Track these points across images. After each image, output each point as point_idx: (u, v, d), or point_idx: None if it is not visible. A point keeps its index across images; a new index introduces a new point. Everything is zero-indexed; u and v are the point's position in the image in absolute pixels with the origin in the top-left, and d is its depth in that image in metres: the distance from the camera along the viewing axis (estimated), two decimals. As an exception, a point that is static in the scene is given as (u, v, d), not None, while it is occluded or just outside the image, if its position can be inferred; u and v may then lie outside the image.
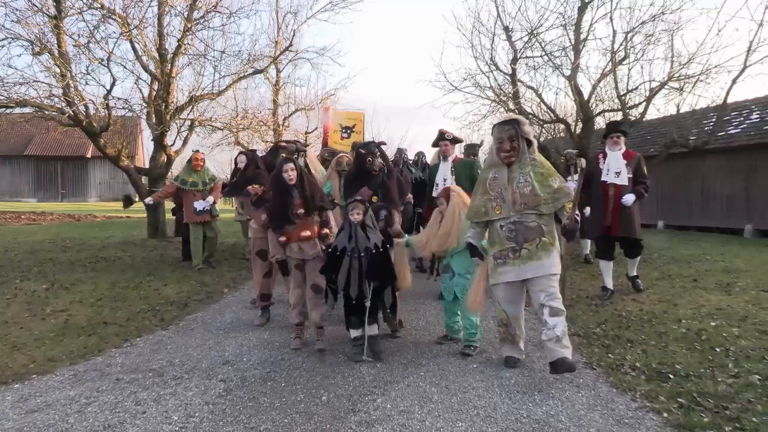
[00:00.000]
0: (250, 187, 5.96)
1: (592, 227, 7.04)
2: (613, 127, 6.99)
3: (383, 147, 6.47)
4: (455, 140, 7.49)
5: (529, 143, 4.36)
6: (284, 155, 5.93)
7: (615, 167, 6.67)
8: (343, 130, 10.32)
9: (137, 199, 10.86)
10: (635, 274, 7.03)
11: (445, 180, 7.07)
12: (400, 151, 8.89)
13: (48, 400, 3.96)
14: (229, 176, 8.59)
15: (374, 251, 4.58)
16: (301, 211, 4.99)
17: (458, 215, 4.87)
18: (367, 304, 4.62)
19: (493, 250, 4.43)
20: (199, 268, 8.97)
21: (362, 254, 4.58)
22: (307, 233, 5.06)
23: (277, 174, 5.08)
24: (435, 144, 7.47)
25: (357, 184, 5.91)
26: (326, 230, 5.16)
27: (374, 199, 5.80)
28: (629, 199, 6.56)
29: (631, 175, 6.64)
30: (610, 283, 6.90)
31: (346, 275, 4.59)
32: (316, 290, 5.08)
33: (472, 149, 9.32)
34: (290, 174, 5.00)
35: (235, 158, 7.16)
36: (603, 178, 6.74)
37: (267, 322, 6.06)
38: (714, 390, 3.88)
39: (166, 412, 3.73)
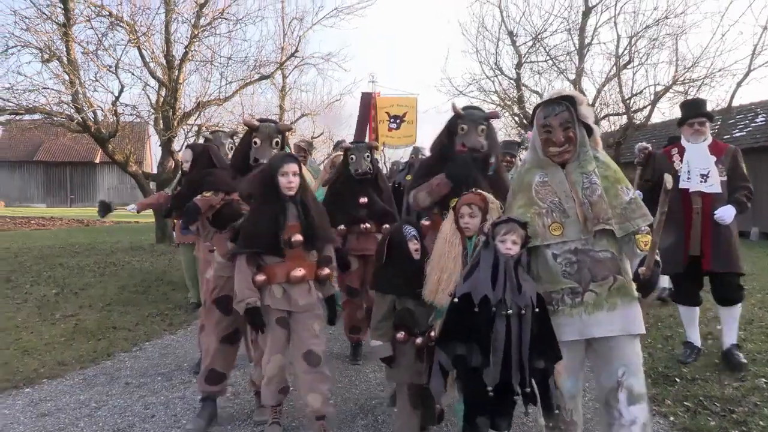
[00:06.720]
0: (198, 198, 3.62)
1: (669, 258, 4.10)
2: (694, 110, 4.68)
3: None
4: None
5: (590, 131, 2.91)
6: (257, 140, 3.84)
7: (700, 167, 4.45)
8: (391, 120, 8.57)
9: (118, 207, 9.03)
10: (735, 342, 4.51)
11: None
12: (417, 151, 7.07)
13: (58, 404, 4.00)
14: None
15: (537, 309, 2.60)
16: (298, 238, 3.27)
17: None
18: (518, 393, 2.63)
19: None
20: (192, 302, 6.81)
21: (512, 311, 2.56)
22: (301, 272, 3.29)
23: (268, 174, 3.33)
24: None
25: (434, 169, 3.91)
26: (326, 270, 3.45)
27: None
28: (727, 214, 4.35)
29: (725, 178, 4.47)
30: (696, 338, 4.74)
31: (489, 350, 2.60)
32: (311, 361, 3.30)
33: (510, 148, 6.99)
34: (291, 180, 3.26)
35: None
36: (682, 185, 4.48)
37: (209, 424, 3.62)
38: (720, 393, 3.89)
39: (175, 416, 3.77)
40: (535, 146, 2.95)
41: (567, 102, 2.84)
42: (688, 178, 4.48)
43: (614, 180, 2.81)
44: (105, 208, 5.60)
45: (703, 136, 4.55)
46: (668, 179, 2.38)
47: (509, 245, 2.69)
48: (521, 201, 2.90)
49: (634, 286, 2.74)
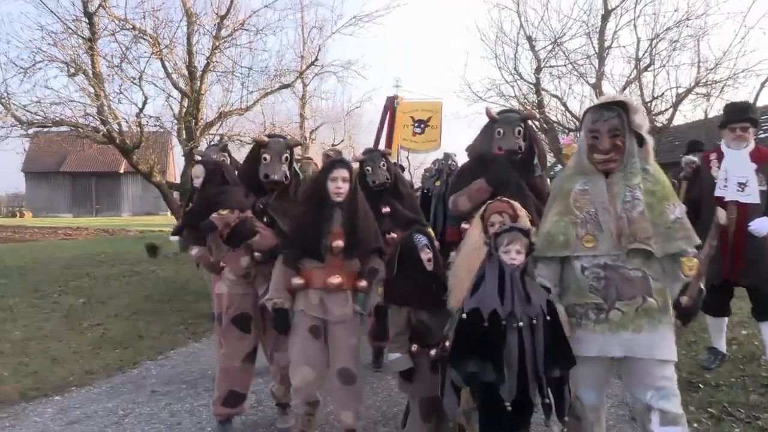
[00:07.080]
0: (215, 216, 3.52)
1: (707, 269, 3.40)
2: (737, 114, 4.37)
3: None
4: None
5: (641, 141, 2.68)
6: (267, 156, 3.66)
7: (738, 175, 4.03)
8: (416, 124, 8.39)
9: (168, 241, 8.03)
10: None
11: None
12: (448, 157, 6.59)
13: (87, 411, 4.09)
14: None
15: (548, 318, 2.51)
16: (340, 243, 3.17)
17: None
18: (544, 401, 2.54)
19: (563, 302, 2.73)
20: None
21: (522, 323, 2.48)
22: (337, 280, 3.18)
23: (319, 180, 3.34)
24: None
25: (474, 174, 3.76)
26: (363, 282, 3.29)
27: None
28: (762, 226, 4.20)
29: (765, 187, 4.19)
30: (722, 345, 4.68)
31: (502, 364, 2.50)
32: (345, 379, 3.20)
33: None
34: (339, 186, 3.20)
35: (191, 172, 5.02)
36: (718, 193, 4.03)
37: None
38: (745, 400, 3.85)
39: (200, 423, 3.84)
40: (580, 151, 2.78)
41: (619, 108, 2.62)
42: (725, 186, 4.03)
43: (662, 196, 2.62)
44: (153, 251, 5.41)
45: (746, 142, 4.30)
46: (721, 214, 2.32)
47: (513, 255, 2.59)
48: (558, 208, 2.77)
49: (671, 311, 2.60)
